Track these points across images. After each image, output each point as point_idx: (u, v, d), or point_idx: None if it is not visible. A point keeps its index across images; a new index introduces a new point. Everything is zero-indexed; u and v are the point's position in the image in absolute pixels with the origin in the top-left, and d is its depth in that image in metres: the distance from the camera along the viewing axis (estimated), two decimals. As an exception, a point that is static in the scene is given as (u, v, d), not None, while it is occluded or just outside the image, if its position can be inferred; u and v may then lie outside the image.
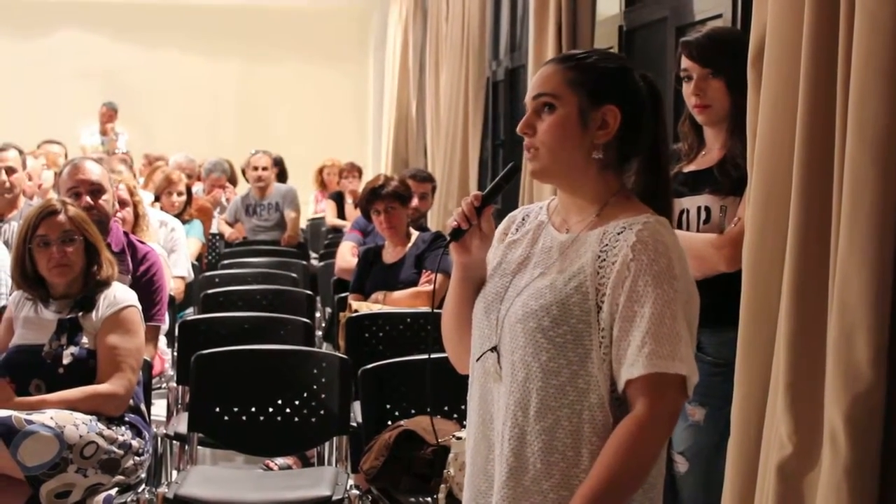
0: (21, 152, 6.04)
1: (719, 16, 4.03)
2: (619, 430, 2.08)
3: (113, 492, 3.76)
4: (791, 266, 2.50)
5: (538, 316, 2.15)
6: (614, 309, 2.10)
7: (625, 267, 2.09)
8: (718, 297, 2.88)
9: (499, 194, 2.36)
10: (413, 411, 4.08)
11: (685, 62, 3.25)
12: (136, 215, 5.57)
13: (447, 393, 4.05)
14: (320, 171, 11.37)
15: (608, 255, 2.13)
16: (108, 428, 3.78)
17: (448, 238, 2.32)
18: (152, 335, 4.60)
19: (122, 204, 5.40)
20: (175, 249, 6.35)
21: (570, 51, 2.38)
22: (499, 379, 2.23)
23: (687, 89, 3.24)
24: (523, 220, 2.38)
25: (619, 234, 2.14)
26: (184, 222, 7.13)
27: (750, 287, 2.76)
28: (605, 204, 2.21)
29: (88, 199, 4.59)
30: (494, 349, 2.24)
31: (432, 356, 2.49)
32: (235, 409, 4.35)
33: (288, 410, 4.35)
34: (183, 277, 6.35)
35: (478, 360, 2.30)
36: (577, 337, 2.13)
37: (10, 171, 5.80)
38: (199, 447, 4.52)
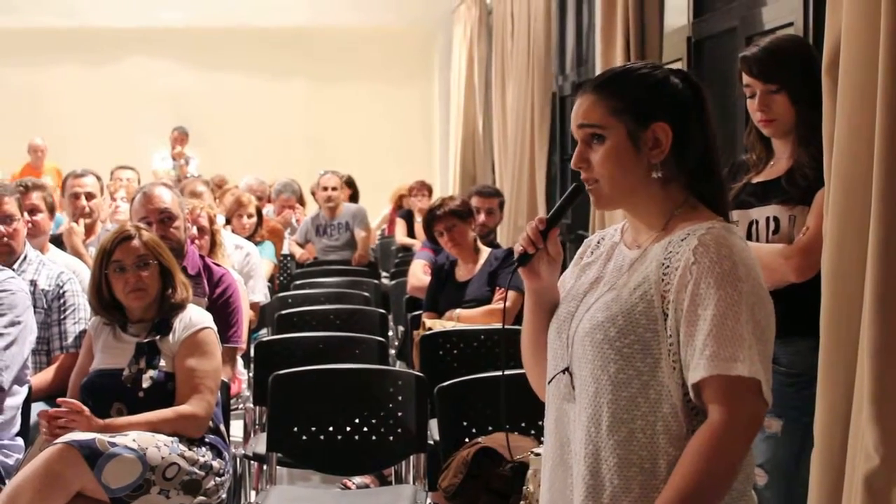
0: (99, 178, 6.15)
1: (790, 24, 3.98)
2: (695, 439, 2.04)
3: (195, 512, 3.79)
4: (873, 275, 2.47)
5: (604, 327, 2.12)
6: (679, 314, 2.07)
7: (687, 271, 2.07)
8: (788, 308, 2.84)
9: (563, 216, 2.34)
10: (490, 428, 4.07)
11: (746, 78, 3.24)
12: (213, 243, 5.62)
13: (524, 409, 4.04)
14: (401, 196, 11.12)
15: (671, 262, 2.10)
16: (190, 449, 3.82)
17: (516, 263, 2.30)
18: (230, 357, 4.64)
19: (202, 232, 5.46)
20: (252, 275, 6.41)
21: (603, 73, 2.31)
22: (572, 399, 2.20)
23: (752, 105, 3.24)
24: (598, 243, 2.36)
25: (682, 240, 2.11)
26: (256, 244, 7.20)
27: (830, 297, 2.72)
28: (671, 217, 2.19)
29: (158, 227, 4.59)
30: (566, 370, 2.22)
31: (506, 373, 2.49)
32: (313, 429, 4.37)
33: (365, 429, 4.36)
34: (259, 302, 6.42)
35: (550, 382, 2.27)
36: (645, 346, 2.10)
37: (90, 196, 5.92)
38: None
